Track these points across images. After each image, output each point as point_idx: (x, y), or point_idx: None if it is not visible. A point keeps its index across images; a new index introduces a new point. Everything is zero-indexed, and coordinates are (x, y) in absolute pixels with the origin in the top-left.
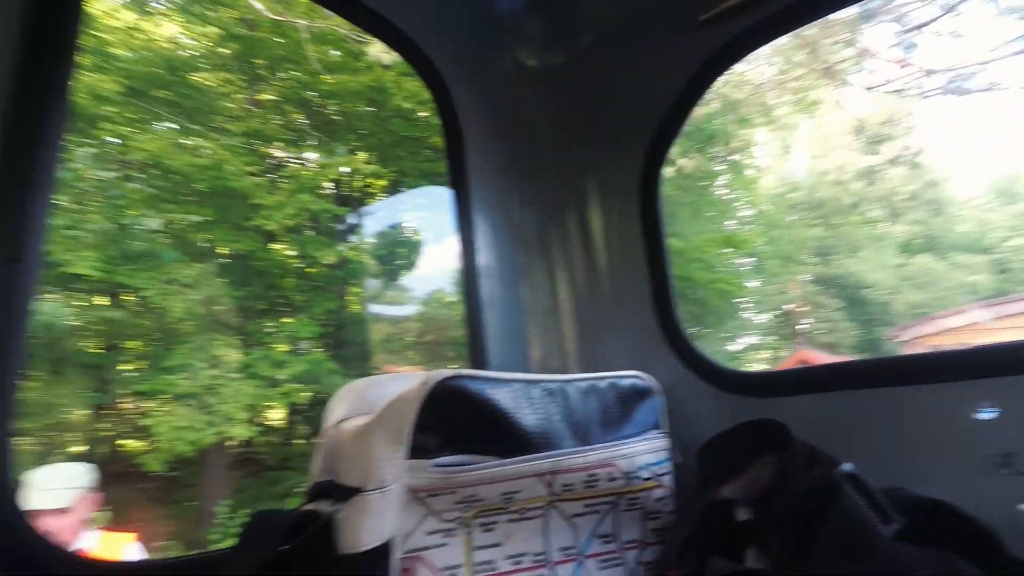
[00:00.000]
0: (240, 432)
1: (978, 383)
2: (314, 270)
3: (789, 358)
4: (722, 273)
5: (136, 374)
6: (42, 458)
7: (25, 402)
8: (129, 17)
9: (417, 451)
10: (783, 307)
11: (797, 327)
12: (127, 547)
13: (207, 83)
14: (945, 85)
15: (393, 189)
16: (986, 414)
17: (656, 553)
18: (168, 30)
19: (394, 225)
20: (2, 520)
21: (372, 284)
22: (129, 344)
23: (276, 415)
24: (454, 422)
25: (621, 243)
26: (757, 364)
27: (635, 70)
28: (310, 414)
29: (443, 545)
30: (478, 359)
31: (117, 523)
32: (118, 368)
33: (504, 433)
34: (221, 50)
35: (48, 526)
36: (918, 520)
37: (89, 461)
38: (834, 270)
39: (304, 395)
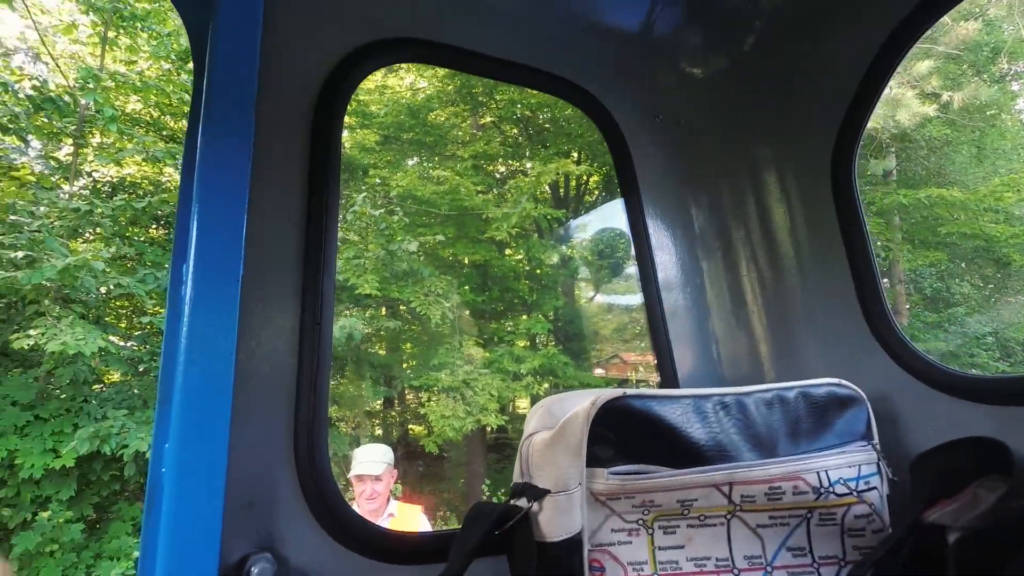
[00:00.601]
0: (492, 420)
1: None
2: (540, 271)
3: None
4: None
5: (411, 372)
6: (354, 439)
7: (338, 395)
8: (378, 76)
9: (594, 460)
10: None
11: None
12: (418, 515)
13: (440, 118)
14: None
15: (606, 186)
16: None
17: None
18: (407, 80)
19: (610, 221)
20: (328, 501)
21: (595, 278)
22: (405, 347)
23: (523, 404)
24: (624, 436)
25: (813, 236)
26: None
27: (808, 59)
28: None
29: (628, 543)
30: (665, 370)
31: (408, 495)
32: (401, 366)
33: (673, 446)
34: (447, 87)
35: (367, 488)
36: None
37: (385, 443)
38: None
39: (543, 386)
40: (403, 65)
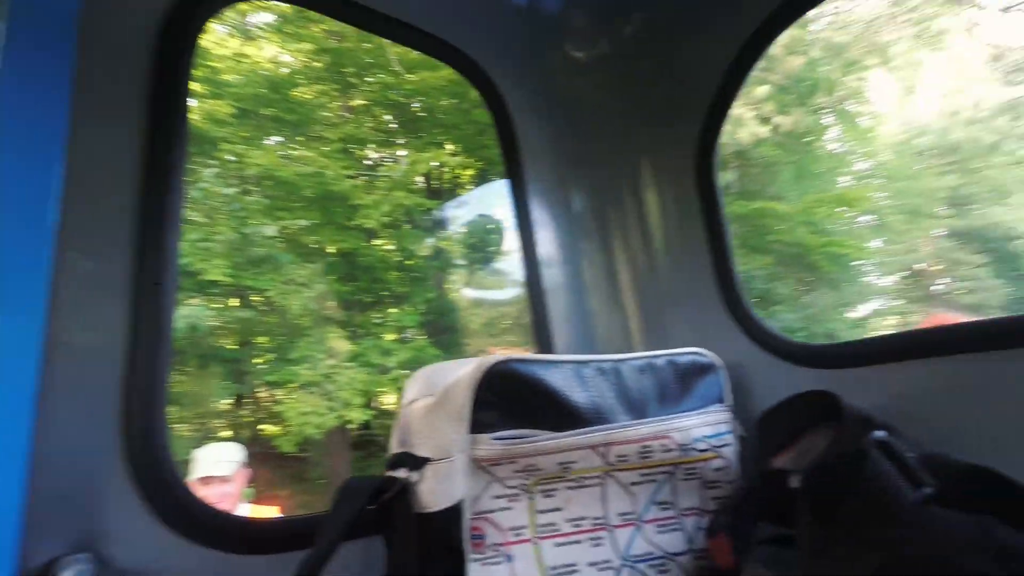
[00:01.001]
0: (357, 416)
1: None
2: (412, 262)
3: (922, 323)
4: (835, 235)
5: (266, 366)
6: (198, 441)
7: (179, 394)
8: (235, 44)
9: (478, 426)
10: (912, 267)
11: (930, 288)
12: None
13: (306, 96)
14: None
15: (481, 178)
16: None
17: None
18: (269, 51)
19: (484, 213)
20: (168, 487)
21: (467, 272)
22: (259, 340)
23: (390, 399)
24: (509, 400)
25: (680, 221)
26: (883, 330)
27: (681, 50)
28: None
29: (508, 508)
30: (543, 343)
31: (262, 498)
32: (252, 361)
33: (556, 409)
34: (315, 64)
35: (214, 492)
36: (958, 486)
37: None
38: (975, 222)
39: None
40: (265, 34)
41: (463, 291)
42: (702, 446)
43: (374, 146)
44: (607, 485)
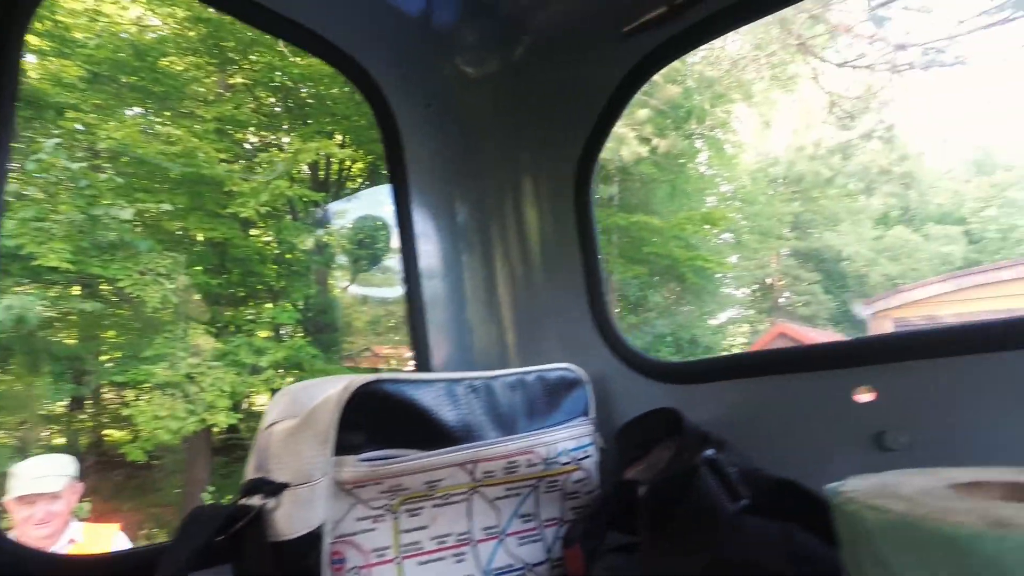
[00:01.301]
0: (222, 419)
1: (854, 371)
2: (292, 256)
3: (768, 331)
4: (701, 250)
5: (114, 365)
6: (21, 452)
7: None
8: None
9: (343, 448)
10: (763, 281)
11: (777, 301)
12: (112, 537)
13: (176, 67)
14: (916, 60)
15: (372, 173)
16: (864, 397)
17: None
18: (132, 13)
19: (373, 210)
20: None
21: (353, 268)
22: (106, 335)
23: (262, 400)
24: (377, 421)
25: (557, 238)
26: (738, 337)
27: (567, 77)
28: None
29: (372, 530)
30: (421, 354)
31: (103, 513)
32: (97, 359)
33: (425, 428)
34: (189, 33)
35: (38, 512)
36: (769, 497)
37: (71, 453)
38: (812, 244)
39: (288, 381)
40: None
41: (348, 288)
42: (565, 459)
43: (255, 129)
44: (473, 501)
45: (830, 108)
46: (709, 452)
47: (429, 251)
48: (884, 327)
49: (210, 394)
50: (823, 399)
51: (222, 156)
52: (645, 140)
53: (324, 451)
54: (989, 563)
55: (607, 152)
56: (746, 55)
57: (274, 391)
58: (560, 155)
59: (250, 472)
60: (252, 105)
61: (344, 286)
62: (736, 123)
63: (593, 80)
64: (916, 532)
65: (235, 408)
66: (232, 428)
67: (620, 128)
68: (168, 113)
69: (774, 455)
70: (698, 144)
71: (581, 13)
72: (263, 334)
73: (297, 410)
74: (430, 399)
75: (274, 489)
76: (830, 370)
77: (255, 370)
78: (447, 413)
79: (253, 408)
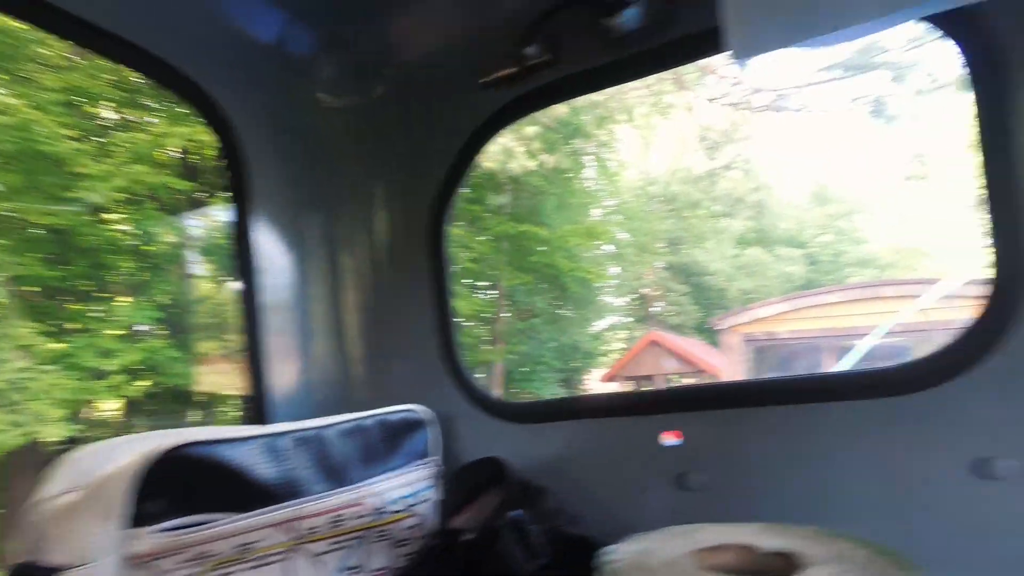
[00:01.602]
0: (55, 432)
1: (667, 416)
2: (153, 248)
3: (641, 339)
4: (583, 261)
5: None
6: None
7: None
8: None
9: (140, 519)
10: (639, 292)
11: (650, 310)
12: None
13: (13, 24)
14: (769, 103)
15: None
16: (670, 442)
17: None
18: None
19: None
20: None
21: (223, 264)
22: None
23: (109, 407)
24: (182, 487)
25: (408, 276)
26: (615, 343)
27: (425, 119)
28: (150, 406)
29: None
30: (257, 390)
31: None
32: None
33: (240, 489)
34: None
35: None
36: (567, 555)
37: None
38: (682, 259)
39: (140, 385)
40: None
41: (217, 286)
42: (396, 507)
43: (115, 106)
44: (294, 559)
45: (700, 138)
46: (516, 513)
47: (275, 283)
48: (734, 341)
49: (41, 402)
50: (640, 440)
51: (68, 132)
52: (534, 154)
53: (109, 526)
54: None
55: (497, 163)
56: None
57: (127, 399)
58: (416, 193)
59: (18, 554)
60: (111, 77)
61: (214, 284)
62: (619, 143)
63: (451, 124)
64: None
65: (73, 418)
66: (71, 440)
67: (510, 142)
68: (4, 77)
69: (599, 491)
70: (584, 160)
71: (442, 60)
72: (113, 333)
73: (81, 480)
74: (246, 457)
75: (44, 574)
76: (646, 415)
77: (99, 375)
78: (265, 470)
79: (97, 415)
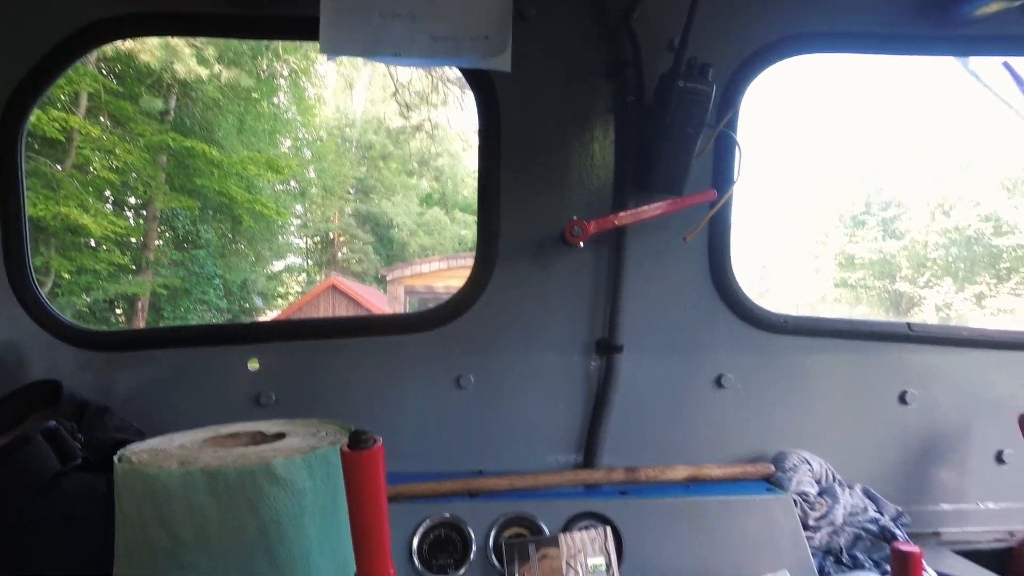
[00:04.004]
0: None
1: (249, 347)
2: None
3: (322, 283)
4: (262, 194)
5: None
6: None
7: None
8: None
9: None
10: (325, 235)
11: (335, 255)
12: None
13: None
14: (458, 77)
15: None
16: (252, 366)
17: None
18: None
19: None
20: None
21: None
22: None
23: None
24: None
25: None
26: (294, 285)
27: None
28: None
29: None
30: None
31: None
32: None
33: None
34: None
35: None
36: (106, 454)
37: None
38: (371, 208)
39: None
40: None
41: None
42: None
43: None
44: None
45: (395, 93)
46: (51, 423)
47: None
48: (399, 291)
49: None
50: (225, 368)
51: None
52: (207, 62)
53: None
54: (171, 494)
55: (157, 59)
56: None
57: None
58: None
59: None
60: None
61: None
62: (320, 75)
63: (43, 24)
64: (139, 479)
65: None
66: None
67: (176, 41)
68: None
69: (181, 412)
70: (277, 84)
71: None
72: None
73: None
74: None
75: None
76: (231, 345)
77: None
78: None
79: None
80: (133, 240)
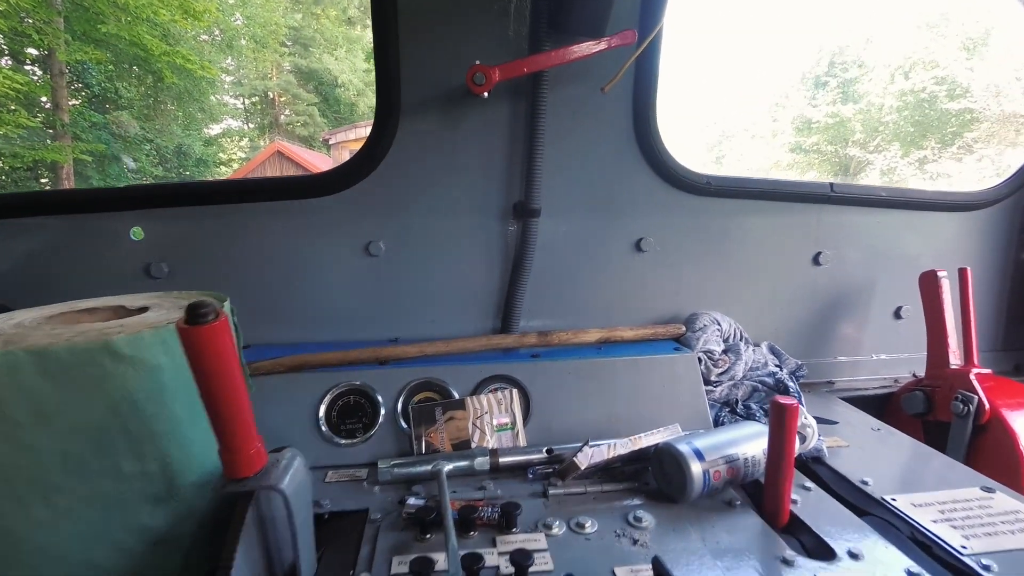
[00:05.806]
0: None
1: (134, 213)
2: None
3: (265, 148)
4: (182, 45)
5: None
6: None
7: None
8: None
9: None
10: (264, 94)
11: (278, 118)
12: None
13: None
14: None
15: None
16: (136, 235)
17: None
18: None
19: None
20: None
21: None
22: None
23: None
24: None
25: None
26: (236, 151)
27: None
28: None
29: None
30: None
31: None
32: None
33: None
34: None
35: None
36: None
37: None
38: (313, 64)
39: None
40: None
41: None
42: None
43: None
44: None
45: None
46: None
47: None
48: (343, 156)
49: None
50: (114, 236)
51: None
52: None
53: None
54: None
55: None
56: None
57: None
58: None
59: None
60: None
61: None
62: None
63: None
64: None
65: None
66: None
67: None
68: None
69: (67, 289)
70: None
71: None
72: None
73: None
74: None
75: None
76: (115, 212)
77: None
78: None
79: None
80: (44, 100)
